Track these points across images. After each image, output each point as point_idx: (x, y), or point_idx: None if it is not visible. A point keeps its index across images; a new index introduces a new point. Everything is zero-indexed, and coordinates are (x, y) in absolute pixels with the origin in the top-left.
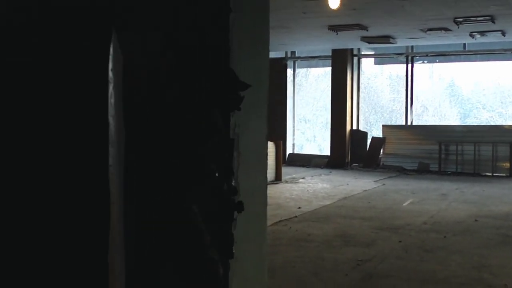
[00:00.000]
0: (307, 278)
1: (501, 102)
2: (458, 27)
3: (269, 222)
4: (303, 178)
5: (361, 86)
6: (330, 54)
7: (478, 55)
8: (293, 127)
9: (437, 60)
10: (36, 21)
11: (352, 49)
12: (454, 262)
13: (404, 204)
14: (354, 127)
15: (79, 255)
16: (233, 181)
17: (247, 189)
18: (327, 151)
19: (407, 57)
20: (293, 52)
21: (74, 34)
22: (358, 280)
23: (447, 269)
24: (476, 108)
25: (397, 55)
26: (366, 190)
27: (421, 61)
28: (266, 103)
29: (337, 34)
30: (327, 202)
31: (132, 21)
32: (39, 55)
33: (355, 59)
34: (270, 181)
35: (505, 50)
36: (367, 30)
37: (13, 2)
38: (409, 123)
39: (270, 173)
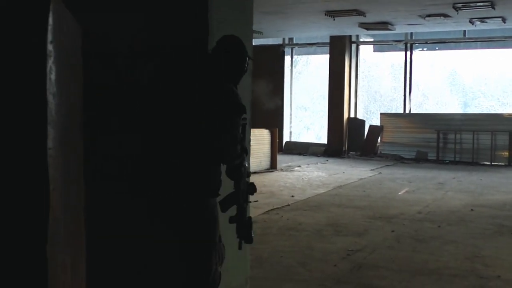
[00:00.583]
0: (294, 268)
1: (503, 91)
2: (458, 13)
3: (260, 211)
4: (299, 166)
5: (361, 74)
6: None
7: (478, 42)
8: (290, 115)
9: (437, 48)
10: None
11: (350, 36)
12: (447, 252)
13: (399, 193)
14: (352, 115)
15: (14, 247)
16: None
17: None
18: (324, 139)
19: (406, 44)
20: (291, 39)
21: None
22: (346, 270)
23: (439, 260)
24: (478, 97)
25: (396, 42)
26: (362, 179)
27: (421, 49)
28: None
29: (334, 20)
30: (322, 191)
31: None
32: None
33: (354, 46)
34: (265, 169)
35: (506, 37)
36: (365, 16)
37: None
38: (407, 111)
39: (265, 161)
